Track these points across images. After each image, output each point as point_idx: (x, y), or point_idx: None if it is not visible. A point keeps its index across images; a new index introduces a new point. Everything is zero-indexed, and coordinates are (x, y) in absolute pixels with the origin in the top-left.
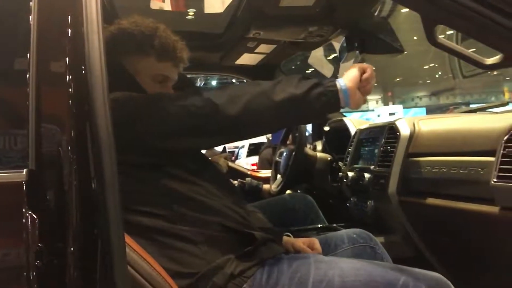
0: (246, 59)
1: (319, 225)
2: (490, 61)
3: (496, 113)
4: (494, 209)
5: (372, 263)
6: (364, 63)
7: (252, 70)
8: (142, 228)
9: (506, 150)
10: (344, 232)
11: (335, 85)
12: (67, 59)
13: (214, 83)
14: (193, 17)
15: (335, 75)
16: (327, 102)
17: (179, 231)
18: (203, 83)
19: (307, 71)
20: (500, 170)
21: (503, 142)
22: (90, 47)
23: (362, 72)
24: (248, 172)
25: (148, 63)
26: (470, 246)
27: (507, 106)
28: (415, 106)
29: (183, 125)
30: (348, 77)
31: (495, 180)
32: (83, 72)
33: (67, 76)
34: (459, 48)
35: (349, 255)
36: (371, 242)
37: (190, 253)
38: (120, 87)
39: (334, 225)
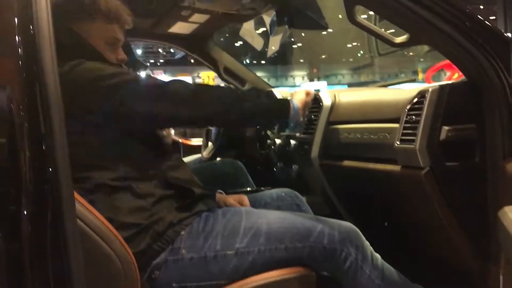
0: (180, 27)
1: (248, 189)
2: (398, 40)
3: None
4: (397, 168)
5: (295, 214)
6: (307, 89)
7: (185, 40)
8: (91, 182)
9: (408, 117)
10: (273, 190)
11: (289, 105)
12: (16, 19)
13: (139, 51)
14: None
15: (265, 48)
16: (280, 115)
17: (129, 185)
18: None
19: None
20: (403, 135)
21: (406, 110)
22: (37, 8)
23: (307, 94)
24: (180, 140)
25: (98, 27)
26: (377, 201)
27: (414, 83)
28: (339, 83)
29: (163, 109)
30: (298, 99)
31: (398, 143)
32: (31, 32)
33: (17, 37)
34: (374, 27)
35: None
36: (297, 200)
37: (137, 206)
38: (77, 54)
39: (262, 188)
